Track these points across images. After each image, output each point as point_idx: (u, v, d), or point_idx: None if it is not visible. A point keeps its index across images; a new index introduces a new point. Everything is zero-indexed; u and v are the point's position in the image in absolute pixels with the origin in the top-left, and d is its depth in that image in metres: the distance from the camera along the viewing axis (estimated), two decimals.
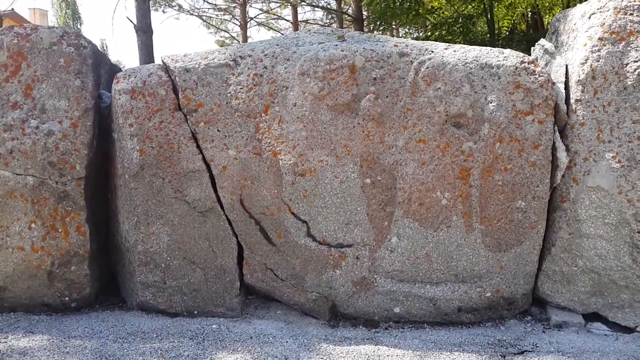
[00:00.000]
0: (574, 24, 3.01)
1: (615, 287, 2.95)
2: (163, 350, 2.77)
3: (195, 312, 3.20)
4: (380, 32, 10.81)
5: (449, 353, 2.77)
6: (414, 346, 2.85)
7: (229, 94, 3.04)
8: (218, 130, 3.04)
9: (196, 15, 17.63)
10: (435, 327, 3.09)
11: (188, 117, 3.08)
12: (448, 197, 2.88)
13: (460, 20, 9.51)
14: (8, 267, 3.13)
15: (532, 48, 3.29)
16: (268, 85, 3.01)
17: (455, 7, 10.26)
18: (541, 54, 3.15)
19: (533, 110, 2.82)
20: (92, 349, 2.78)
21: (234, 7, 17.94)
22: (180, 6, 16.37)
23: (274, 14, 18.83)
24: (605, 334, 3.01)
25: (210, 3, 17.39)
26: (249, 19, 17.69)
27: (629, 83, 2.74)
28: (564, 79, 2.91)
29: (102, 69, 3.47)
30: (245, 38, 17.46)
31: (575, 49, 2.93)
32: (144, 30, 9.98)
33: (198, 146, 3.08)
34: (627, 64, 2.75)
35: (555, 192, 2.97)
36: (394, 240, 2.96)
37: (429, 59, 2.90)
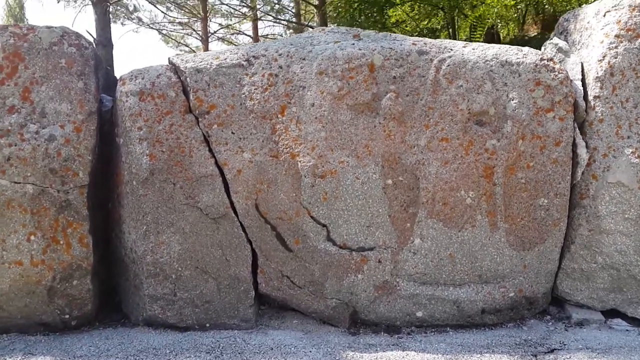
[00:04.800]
0: (587, 23, 3.05)
1: (635, 282, 2.96)
2: None
3: (208, 325, 3.03)
4: None
5: (479, 355, 2.70)
6: (442, 350, 2.77)
7: (242, 95, 2.93)
8: (232, 133, 2.92)
9: (155, 29, 17.33)
10: (458, 330, 3.02)
11: (200, 119, 2.94)
12: (472, 195, 2.84)
13: (425, 33, 9.65)
14: (4, 284, 2.88)
15: (543, 46, 3.32)
16: (284, 85, 2.92)
17: (417, 22, 10.44)
18: (554, 52, 3.17)
19: (554, 107, 2.82)
20: None
21: (195, 21, 17.75)
22: (139, 19, 16.03)
23: (234, 29, 18.69)
24: (627, 330, 3.00)
25: (170, 17, 17.14)
26: (210, 34, 17.52)
27: None
28: (580, 77, 2.93)
29: (100, 72, 3.30)
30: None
31: (590, 47, 2.96)
32: (104, 44, 9.74)
33: (210, 150, 2.95)
34: None
35: (574, 189, 2.97)
36: (417, 241, 2.88)
37: (449, 56, 2.87)
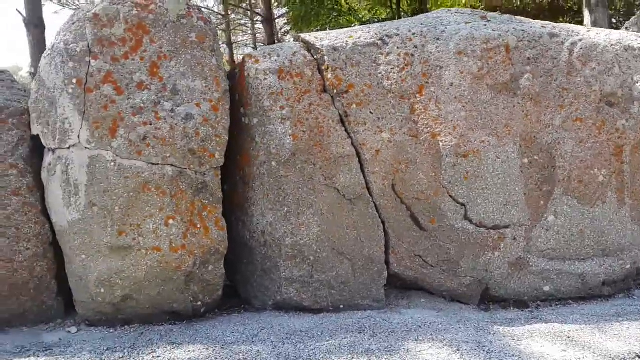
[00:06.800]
0: None
1: None
2: (345, 346, 2.58)
3: (342, 306, 3.02)
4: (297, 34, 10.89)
5: (618, 323, 2.84)
6: (579, 320, 2.88)
7: (379, 75, 2.92)
8: (371, 113, 2.90)
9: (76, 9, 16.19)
10: (579, 303, 3.16)
11: (336, 98, 2.90)
12: (604, 173, 2.97)
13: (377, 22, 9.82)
14: (139, 272, 2.74)
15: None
16: (420, 65, 2.92)
17: (368, 11, 10.64)
18: None
19: None
20: (274, 353, 2.52)
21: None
22: None
23: None
24: None
25: None
26: None
27: None
28: None
29: None
30: None
31: None
32: (36, 25, 9.07)
33: (346, 130, 2.92)
34: None
35: None
36: (551, 218, 2.99)
37: (580, 40, 2.98)
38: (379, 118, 2.90)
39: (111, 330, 2.88)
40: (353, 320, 2.91)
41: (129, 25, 2.75)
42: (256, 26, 15.85)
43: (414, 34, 2.97)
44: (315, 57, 2.93)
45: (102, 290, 2.75)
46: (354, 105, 2.89)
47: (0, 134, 2.80)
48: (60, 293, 3.01)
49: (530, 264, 3.04)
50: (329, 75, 2.88)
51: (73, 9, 15.72)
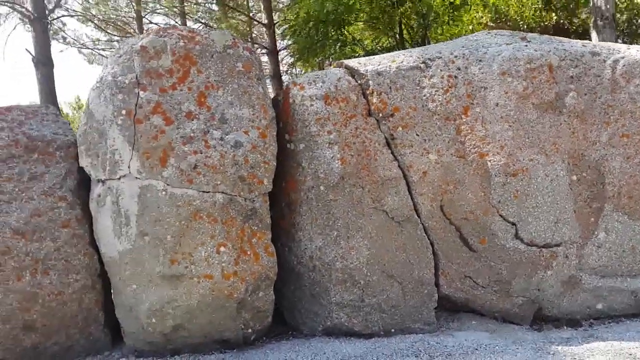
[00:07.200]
0: None
1: None
2: None
3: (393, 330, 2.97)
4: (306, 64, 11.06)
5: None
6: (638, 337, 2.84)
7: (423, 97, 2.93)
8: (417, 135, 2.91)
9: (88, 48, 16.62)
10: (632, 319, 3.11)
11: (382, 122, 2.91)
12: None
13: (383, 51, 9.95)
14: (192, 300, 2.72)
15: None
16: (464, 86, 2.94)
17: (376, 41, 10.78)
18: None
19: None
20: None
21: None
22: (64, 38, 15.24)
23: None
24: None
25: (108, 34, 16.49)
26: None
27: None
28: None
29: None
30: None
31: None
32: (44, 63, 9.15)
33: (392, 152, 2.92)
34: None
35: None
36: (602, 235, 2.96)
37: (622, 57, 2.99)
38: (425, 140, 2.91)
39: None
40: (406, 344, 2.86)
41: (176, 57, 2.78)
42: (262, 59, 15.99)
43: (456, 56, 2.99)
44: (359, 82, 2.95)
45: (154, 320, 2.73)
46: (400, 128, 2.90)
47: (48, 167, 2.82)
48: (106, 324, 2.98)
49: (583, 281, 3.00)
50: (374, 99, 2.90)
51: (78, 47, 16.10)
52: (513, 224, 2.93)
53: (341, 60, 3.09)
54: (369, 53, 9.88)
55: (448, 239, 2.97)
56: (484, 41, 3.12)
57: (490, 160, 2.89)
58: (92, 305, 2.87)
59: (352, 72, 2.99)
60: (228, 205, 2.73)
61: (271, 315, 2.95)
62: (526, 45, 3.03)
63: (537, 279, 2.96)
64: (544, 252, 2.94)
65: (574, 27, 12.23)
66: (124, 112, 2.69)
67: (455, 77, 2.95)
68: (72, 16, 14.83)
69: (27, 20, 9.97)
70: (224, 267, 2.73)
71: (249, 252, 2.78)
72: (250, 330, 2.88)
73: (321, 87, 2.89)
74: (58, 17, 12.32)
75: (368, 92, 2.93)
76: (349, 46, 10.37)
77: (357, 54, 10.15)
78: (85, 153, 2.77)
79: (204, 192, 2.70)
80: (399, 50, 9.23)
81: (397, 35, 9.99)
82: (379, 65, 2.96)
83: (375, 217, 2.89)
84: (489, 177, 2.89)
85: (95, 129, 2.74)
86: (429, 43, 9.64)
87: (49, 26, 10.00)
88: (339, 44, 10.07)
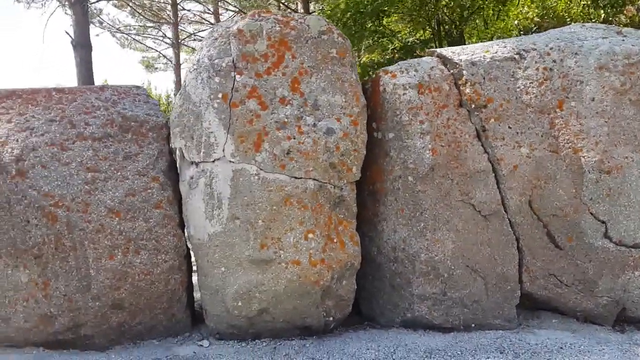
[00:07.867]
0: None
1: None
2: None
3: (473, 325, 2.94)
4: None
5: None
6: None
7: (517, 89, 2.87)
8: (509, 127, 2.85)
9: (123, 33, 16.80)
10: None
11: (473, 113, 2.86)
12: None
13: (418, 44, 9.81)
14: (279, 285, 2.73)
15: None
16: (560, 79, 2.87)
17: (410, 33, 10.64)
18: None
19: None
20: None
21: (160, 25, 17.47)
22: (101, 22, 15.45)
23: (201, 37, 18.40)
24: None
25: (143, 16, 16.65)
26: (181, 39, 17.21)
27: None
28: None
29: None
30: (178, 58, 16.83)
31: None
32: (83, 46, 9.25)
33: (482, 144, 2.87)
34: None
35: None
36: None
37: None
38: (517, 133, 2.85)
39: (243, 344, 2.87)
40: (488, 340, 2.84)
41: (272, 42, 2.77)
42: None
43: (551, 48, 2.92)
44: (451, 71, 2.91)
45: (239, 304, 2.74)
46: (492, 120, 2.85)
47: (142, 147, 2.84)
48: (188, 305, 3.01)
49: None
50: (467, 90, 2.85)
51: (113, 32, 16.32)
52: (603, 222, 2.86)
53: (433, 49, 3.04)
54: (406, 45, 9.80)
55: (534, 235, 2.92)
56: (579, 34, 3.04)
57: (584, 156, 2.82)
58: (177, 286, 2.90)
59: (445, 61, 2.94)
60: (318, 192, 2.73)
61: (351, 305, 2.94)
62: (623, 40, 2.94)
63: (624, 280, 2.89)
64: (632, 252, 2.87)
65: (622, 25, 11.93)
66: (220, 95, 2.69)
67: (551, 69, 2.88)
68: (109, 0, 15.06)
69: (67, 4, 10.11)
70: (312, 254, 2.72)
71: (335, 240, 2.78)
72: (331, 319, 2.88)
73: (414, 75, 2.85)
74: (97, 0, 12.48)
75: (460, 82, 2.88)
76: (387, 37, 10.29)
77: (395, 46, 10.06)
78: (179, 135, 2.79)
79: (295, 177, 2.69)
80: (435, 43, 9.15)
81: (435, 27, 9.86)
82: (472, 55, 2.91)
83: (462, 210, 2.85)
84: (582, 174, 2.83)
85: (191, 111, 2.75)
86: (464, 37, 9.51)
87: (87, 10, 10.11)
88: (377, 35, 9.99)
